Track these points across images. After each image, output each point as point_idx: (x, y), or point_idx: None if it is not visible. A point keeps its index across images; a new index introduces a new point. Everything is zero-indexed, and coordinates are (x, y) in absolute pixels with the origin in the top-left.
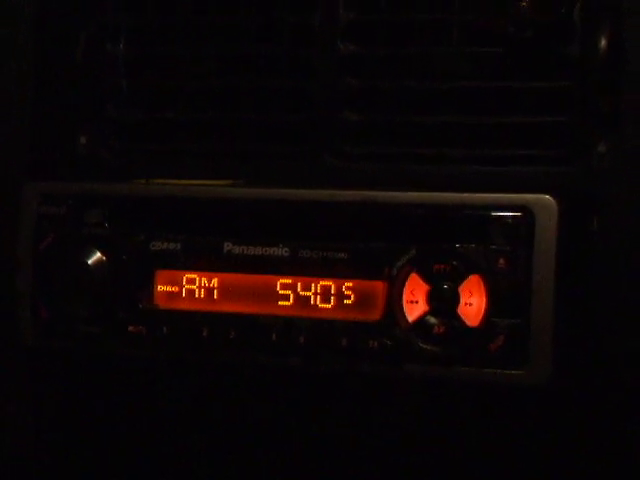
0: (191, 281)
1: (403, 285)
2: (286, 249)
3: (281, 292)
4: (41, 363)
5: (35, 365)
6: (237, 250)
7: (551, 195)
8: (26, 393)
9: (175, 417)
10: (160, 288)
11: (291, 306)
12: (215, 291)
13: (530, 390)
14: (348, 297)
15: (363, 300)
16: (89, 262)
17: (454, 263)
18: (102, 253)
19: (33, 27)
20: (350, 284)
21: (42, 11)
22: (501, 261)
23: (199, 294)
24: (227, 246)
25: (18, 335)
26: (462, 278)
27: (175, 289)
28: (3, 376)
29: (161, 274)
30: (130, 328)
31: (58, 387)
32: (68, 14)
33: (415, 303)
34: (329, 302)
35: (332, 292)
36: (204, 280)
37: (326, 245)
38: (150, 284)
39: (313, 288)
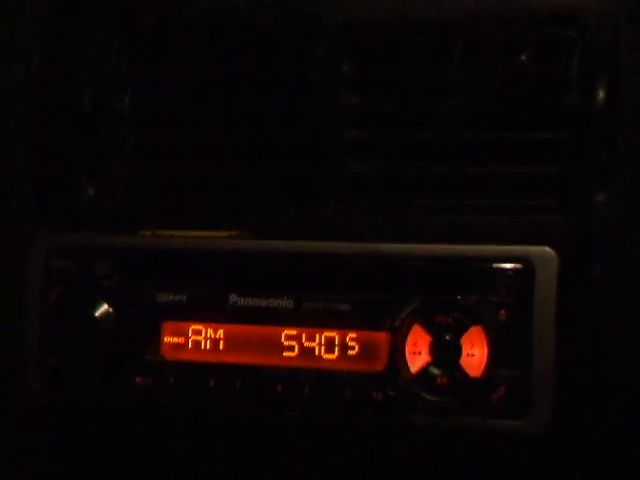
0: (197, 332)
1: (406, 336)
2: (291, 301)
3: (286, 343)
4: (48, 414)
5: (42, 417)
6: (242, 302)
7: (551, 245)
8: (33, 444)
9: (182, 468)
10: (167, 339)
11: (296, 357)
12: (221, 342)
13: (530, 439)
14: (352, 348)
15: (367, 351)
16: (96, 314)
17: (456, 314)
18: (109, 305)
19: (40, 79)
20: (354, 335)
21: (49, 62)
22: (502, 312)
23: (205, 345)
24: (232, 298)
25: (25, 387)
26: (464, 329)
27: (181, 340)
28: (10, 428)
29: (168, 325)
30: (137, 379)
31: (65, 437)
32: (75, 66)
33: (418, 354)
34: (333, 353)
35: (336, 343)
36: (210, 331)
37: (330, 296)
38: (157, 335)
39: (317, 339)
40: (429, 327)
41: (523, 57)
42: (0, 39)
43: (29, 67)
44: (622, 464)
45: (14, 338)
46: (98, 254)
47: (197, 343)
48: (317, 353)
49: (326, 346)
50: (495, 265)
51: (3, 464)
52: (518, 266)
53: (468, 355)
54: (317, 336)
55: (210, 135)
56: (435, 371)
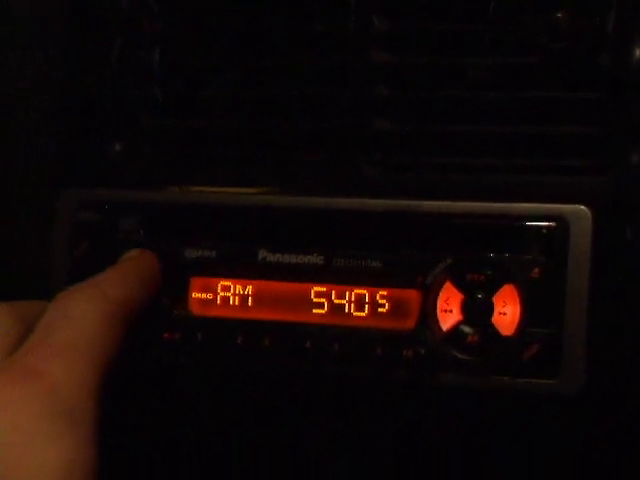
0: (226, 288)
1: (437, 294)
2: (321, 257)
3: (315, 300)
4: None
5: None
6: (272, 258)
7: (585, 205)
8: None
9: (209, 424)
10: (195, 295)
11: (325, 314)
12: (249, 298)
13: (563, 400)
14: (382, 305)
15: (397, 309)
16: None
17: (488, 272)
18: None
19: (67, 34)
20: (384, 292)
21: (76, 18)
22: (535, 271)
23: (234, 301)
24: (262, 254)
25: None
26: (496, 287)
27: (210, 296)
28: None
29: (196, 281)
30: (164, 335)
31: None
32: (102, 21)
33: (449, 312)
34: (363, 310)
35: (366, 300)
36: (239, 287)
37: (361, 254)
38: (185, 291)
39: (347, 296)
40: (461, 285)
41: (559, 15)
42: None
43: (57, 21)
44: None
45: (42, 293)
46: (125, 209)
47: (225, 299)
48: (347, 310)
49: (356, 303)
50: (529, 223)
51: None
52: (552, 224)
53: (500, 314)
54: (347, 293)
55: (240, 90)
56: (466, 329)
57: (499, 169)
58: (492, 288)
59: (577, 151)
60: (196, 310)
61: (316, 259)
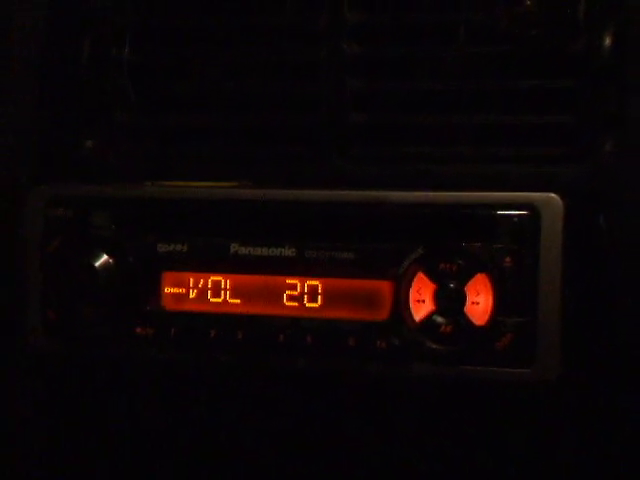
0: (198, 282)
1: (410, 284)
2: (293, 249)
3: (288, 293)
4: (48, 365)
5: (42, 367)
6: (244, 251)
7: (558, 193)
8: (32, 395)
9: (182, 419)
10: (167, 290)
11: (298, 307)
12: (222, 292)
13: (537, 388)
14: (355, 297)
15: (370, 300)
16: (96, 264)
17: (460, 262)
18: (109, 255)
19: (39, 31)
20: (357, 284)
21: (48, 15)
22: (507, 259)
23: (206, 295)
24: (234, 247)
25: (25, 337)
26: (468, 277)
27: (182, 290)
28: (10, 378)
29: (168, 276)
30: (137, 330)
31: (65, 389)
32: (74, 18)
33: (422, 302)
34: (336, 302)
35: (339, 292)
36: (211, 281)
37: (333, 245)
38: (157, 286)
39: (320, 288)
40: (433, 275)
41: (530, 2)
42: None
43: (29, 17)
44: (631, 414)
45: (13, 289)
46: (97, 204)
47: (198, 293)
48: (319, 302)
49: (329, 295)
50: (500, 212)
51: (2, 418)
52: (523, 213)
53: (473, 303)
54: (319, 285)
55: (211, 85)
56: (439, 319)
57: (472, 159)
58: (464, 277)
59: (550, 140)
60: (169, 305)
61: (288, 251)
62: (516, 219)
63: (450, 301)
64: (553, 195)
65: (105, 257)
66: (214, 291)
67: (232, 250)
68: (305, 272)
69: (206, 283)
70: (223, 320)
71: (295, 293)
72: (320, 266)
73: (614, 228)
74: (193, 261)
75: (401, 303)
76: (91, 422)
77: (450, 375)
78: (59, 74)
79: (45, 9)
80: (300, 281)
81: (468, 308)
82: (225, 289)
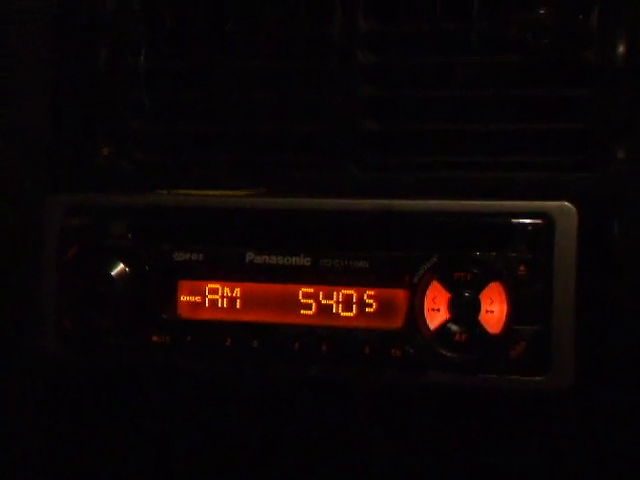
0: (214, 291)
1: (424, 293)
2: (308, 258)
3: (303, 301)
4: (63, 373)
5: (58, 376)
6: (259, 260)
7: (571, 201)
8: (49, 403)
9: (196, 427)
10: (183, 298)
11: (313, 315)
12: (238, 301)
13: (552, 396)
14: (370, 305)
15: (385, 308)
16: (112, 273)
17: (475, 271)
18: (125, 264)
19: (55, 39)
20: (372, 292)
21: (64, 24)
22: (522, 268)
23: (222, 304)
24: (249, 256)
25: (42, 346)
26: (483, 285)
27: (198, 299)
28: (27, 387)
29: (184, 284)
30: (154, 338)
31: (81, 397)
32: (89, 28)
33: (437, 311)
34: (351, 310)
35: (354, 300)
36: (227, 290)
37: (348, 254)
38: (173, 294)
39: (335, 297)
40: (448, 283)
41: (543, 11)
42: None
43: (45, 26)
44: None
45: (31, 298)
46: (114, 213)
47: (214, 302)
48: (335, 311)
49: (344, 304)
50: (514, 220)
51: (15, 424)
52: (537, 221)
53: (487, 311)
54: (335, 294)
55: (225, 93)
56: (454, 328)
57: (485, 167)
58: (479, 286)
59: (563, 147)
60: (185, 313)
61: (303, 260)
62: (530, 227)
63: (465, 309)
64: (567, 204)
65: (121, 266)
66: (229, 299)
67: (248, 259)
68: (320, 281)
69: (222, 292)
70: (238, 328)
71: (310, 302)
72: (335, 275)
73: (627, 235)
74: (209, 270)
75: (416, 311)
76: (105, 429)
77: (464, 383)
78: (75, 83)
79: (61, 19)
80: (315, 290)
81: (483, 316)
82: (240, 298)
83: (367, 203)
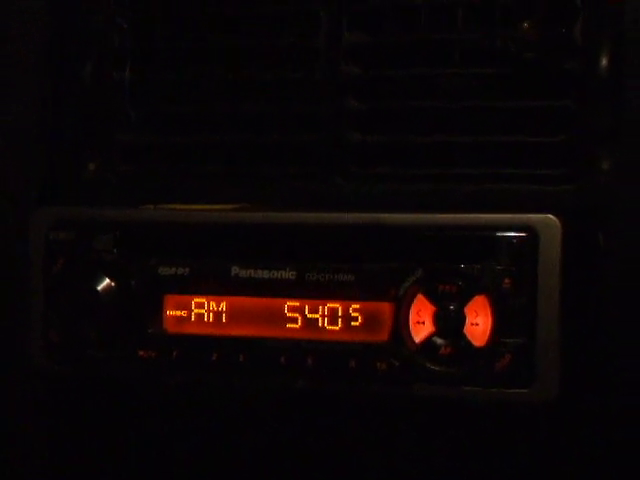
0: (200, 305)
1: (409, 306)
2: (293, 272)
3: (289, 315)
4: (51, 387)
5: (45, 389)
6: (244, 274)
7: (555, 214)
8: (36, 417)
9: (184, 441)
10: (169, 313)
11: (299, 329)
12: (223, 315)
13: (537, 408)
14: (355, 319)
15: (370, 321)
16: (98, 288)
17: (459, 283)
18: (111, 279)
19: (41, 54)
20: (357, 306)
21: (50, 39)
22: (506, 281)
23: (208, 318)
24: (234, 270)
25: (29, 359)
26: (468, 298)
27: (184, 313)
28: (13, 400)
29: (170, 299)
30: (140, 353)
31: (68, 411)
32: (75, 41)
33: (422, 324)
34: (337, 324)
35: (339, 314)
36: (212, 304)
37: (333, 267)
38: (159, 309)
39: (320, 310)
40: (433, 297)
41: (526, 24)
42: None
43: (32, 40)
44: (629, 434)
45: (17, 312)
46: (99, 227)
47: (200, 316)
48: (320, 324)
49: (329, 317)
50: (498, 233)
51: (4, 438)
52: (522, 234)
53: (472, 324)
54: (320, 307)
55: (212, 107)
56: (439, 341)
57: (469, 179)
58: (464, 299)
59: (547, 159)
60: (171, 328)
61: (288, 274)
62: (515, 241)
63: (450, 322)
64: (551, 216)
65: (107, 280)
66: (215, 314)
67: (233, 273)
68: (306, 294)
69: (207, 306)
70: (224, 343)
71: (296, 315)
72: (320, 288)
73: (612, 247)
74: (195, 284)
75: (401, 325)
76: (92, 444)
77: (450, 396)
78: (60, 97)
79: (47, 32)
80: (301, 303)
81: (467, 329)
82: (226, 312)
83: (352, 217)
